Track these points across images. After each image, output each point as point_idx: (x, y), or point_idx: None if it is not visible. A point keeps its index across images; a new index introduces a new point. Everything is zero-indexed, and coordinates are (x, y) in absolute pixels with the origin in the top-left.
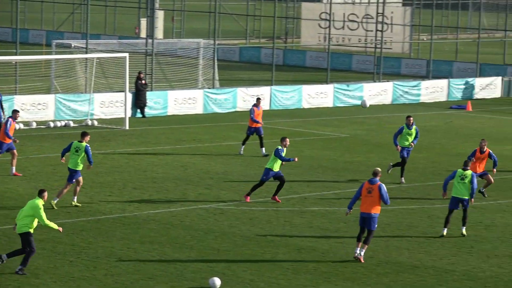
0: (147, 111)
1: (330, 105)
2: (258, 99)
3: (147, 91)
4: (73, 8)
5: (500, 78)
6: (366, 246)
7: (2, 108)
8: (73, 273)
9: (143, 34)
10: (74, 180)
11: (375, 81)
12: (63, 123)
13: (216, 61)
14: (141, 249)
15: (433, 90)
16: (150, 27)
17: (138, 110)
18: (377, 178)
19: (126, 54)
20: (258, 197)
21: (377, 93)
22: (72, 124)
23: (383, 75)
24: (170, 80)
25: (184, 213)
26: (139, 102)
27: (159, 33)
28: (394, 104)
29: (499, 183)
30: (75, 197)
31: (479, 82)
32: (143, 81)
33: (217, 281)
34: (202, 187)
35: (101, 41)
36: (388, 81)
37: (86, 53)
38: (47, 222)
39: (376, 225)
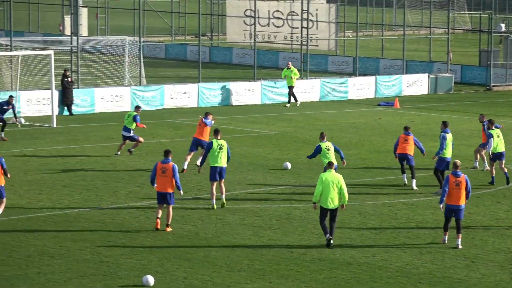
0: (74, 108)
1: (258, 102)
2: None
3: (74, 88)
4: None
5: (426, 75)
6: (461, 235)
7: None
8: (5, 272)
9: (68, 31)
10: None
11: (302, 78)
12: None
13: (142, 58)
14: (73, 247)
15: (361, 87)
16: (74, 24)
17: (65, 108)
18: (459, 171)
19: (51, 52)
20: (189, 194)
21: (304, 90)
22: None
23: (310, 72)
24: (96, 78)
25: (115, 211)
26: (66, 99)
27: (83, 30)
28: (322, 101)
29: (428, 179)
30: None
31: (406, 79)
32: (69, 79)
33: (151, 279)
34: (133, 184)
35: (26, 38)
36: (315, 78)
37: (11, 50)
38: None
39: (462, 216)
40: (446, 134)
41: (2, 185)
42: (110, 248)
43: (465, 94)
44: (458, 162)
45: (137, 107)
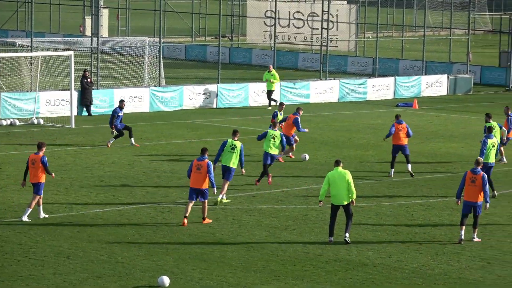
0: (93, 109)
1: None
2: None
3: (93, 89)
4: (17, 6)
5: (446, 76)
6: (477, 230)
7: None
8: (20, 272)
9: (88, 32)
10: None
11: (321, 79)
12: (8, 121)
13: (161, 59)
14: (89, 248)
15: (380, 88)
16: (95, 25)
17: (84, 109)
18: (480, 168)
19: (71, 52)
20: None
21: (324, 91)
22: (18, 122)
23: (329, 73)
24: (115, 78)
25: (132, 211)
26: (85, 100)
27: (104, 31)
28: (340, 102)
29: (446, 181)
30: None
31: (425, 80)
32: (89, 79)
33: (166, 279)
34: (150, 185)
35: (46, 39)
36: (334, 79)
37: (31, 51)
38: None
39: (480, 211)
40: (488, 139)
41: (42, 182)
42: (126, 249)
43: (484, 95)
44: (480, 159)
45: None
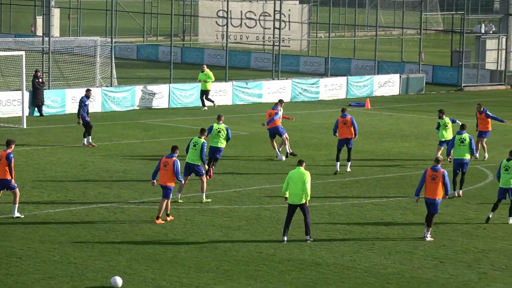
0: (44, 109)
1: (229, 103)
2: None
3: (45, 89)
4: None
5: (398, 75)
6: (430, 228)
7: None
8: None
9: (39, 32)
10: None
11: (274, 79)
12: None
13: (113, 59)
14: (41, 248)
15: (332, 88)
16: (46, 25)
17: (36, 109)
18: (439, 165)
19: (23, 52)
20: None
21: (276, 90)
22: None
23: (281, 72)
24: (67, 78)
25: (84, 212)
26: (36, 100)
27: (55, 31)
28: (293, 101)
29: (398, 180)
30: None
31: (377, 80)
32: (40, 79)
33: (119, 280)
34: (102, 186)
35: None
36: (287, 79)
37: None
38: None
39: (438, 210)
40: (457, 135)
41: (9, 179)
42: (78, 249)
43: (436, 94)
44: (440, 157)
45: None
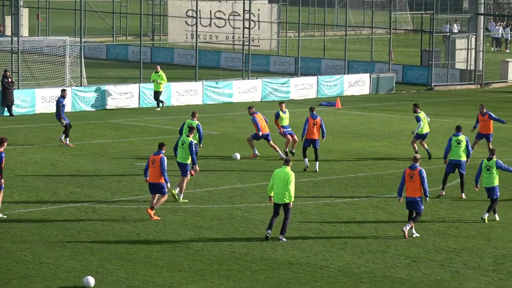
0: (14, 109)
1: (200, 102)
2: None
3: (14, 89)
4: None
5: (368, 75)
6: (413, 223)
7: None
8: None
9: (8, 31)
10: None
11: (244, 79)
12: None
13: (83, 58)
14: (13, 248)
15: (302, 87)
16: (14, 24)
17: (6, 109)
18: (417, 164)
19: None
20: (129, 195)
21: (247, 90)
22: None
23: (252, 72)
24: (37, 78)
25: (56, 211)
26: (6, 100)
27: (24, 30)
28: (264, 101)
29: (370, 179)
30: None
31: (347, 79)
32: (10, 79)
33: (91, 280)
34: (73, 185)
35: None
36: (257, 79)
37: None
38: None
39: (422, 207)
40: (453, 136)
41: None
42: (50, 249)
43: (406, 94)
44: (418, 156)
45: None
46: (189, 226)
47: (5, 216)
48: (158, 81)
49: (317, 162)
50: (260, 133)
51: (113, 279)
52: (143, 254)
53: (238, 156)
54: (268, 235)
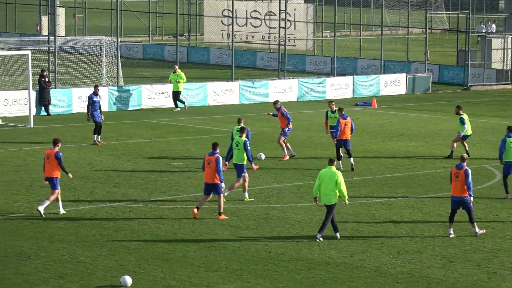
0: (51, 109)
1: (236, 102)
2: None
3: (51, 88)
4: None
5: (404, 74)
6: (474, 223)
7: None
8: None
9: (45, 31)
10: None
11: (280, 78)
12: None
13: (119, 58)
14: (50, 247)
15: (338, 87)
16: (51, 24)
17: (43, 108)
18: (464, 164)
19: (29, 52)
20: (166, 195)
21: (283, 90)
22: None
23: (288, 72)
24: (74, 78)
25: (93, 211)
26: (43, 100)
27: (61, 30)
28: (299, 101)
29: (406, 179)
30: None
31: (383, 79)
32: (47, 79)
33: (128, 279)
34: (110, 185)
35: (3, 38)
36: (293, 78)
37: None
38: None
39: (471, 204)
40: (507, 138)
41: (58, 177)
42: (87, 249)
43: (442, 94)
44: (465, 155)
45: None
46: (226, 226)
47: (65, 212)
48: (177, 81)
49: (351, 158)
50: (290, 125)
51: (150, 279)
52: (180, 253)
53: (262, 156)
54: (318, 239)
